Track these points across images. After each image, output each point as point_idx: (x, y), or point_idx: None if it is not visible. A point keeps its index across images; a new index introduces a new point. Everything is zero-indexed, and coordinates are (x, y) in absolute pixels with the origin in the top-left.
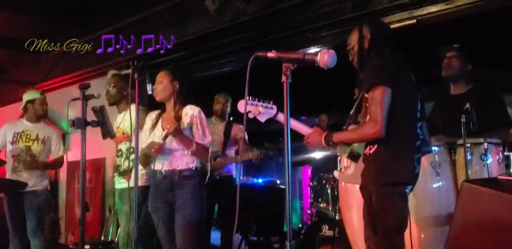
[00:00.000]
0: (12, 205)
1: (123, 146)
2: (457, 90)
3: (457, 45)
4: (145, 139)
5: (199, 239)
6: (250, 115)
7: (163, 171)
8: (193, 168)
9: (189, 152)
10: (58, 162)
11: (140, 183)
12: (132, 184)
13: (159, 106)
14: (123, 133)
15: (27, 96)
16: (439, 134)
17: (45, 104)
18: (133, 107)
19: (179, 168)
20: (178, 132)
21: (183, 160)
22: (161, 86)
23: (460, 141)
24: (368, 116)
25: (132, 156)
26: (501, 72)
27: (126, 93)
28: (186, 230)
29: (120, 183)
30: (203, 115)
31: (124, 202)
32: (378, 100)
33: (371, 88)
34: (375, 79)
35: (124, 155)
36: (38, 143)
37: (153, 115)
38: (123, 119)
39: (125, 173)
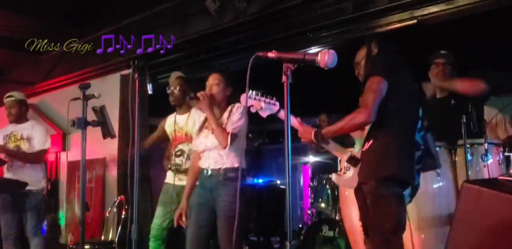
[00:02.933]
0: (8, 204)
1: (186, 147)
2: (443, 93)
3: (444, 51)
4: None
5: (241, 235)
6: (252, 110)
7: (209, 170)
8: (237, 167)
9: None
10: (36, 155)
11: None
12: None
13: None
14: (186, 134)
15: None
16: None
17: (12, 108)
18: (194, 110)
19: (224, 167)
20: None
21: (228, 159)
22: (217, 88)
23: (460, 142)
24: None
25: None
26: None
27: (189, 97)
28: (227, 229)
29: (182, 180)
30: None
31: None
32: (372, 88)
33: (368, 77)
34: (372, 69)
35: (185, 155)
36: (24, 142)
37: (201, 117)
38: (186, 122)
39: (186, 172)
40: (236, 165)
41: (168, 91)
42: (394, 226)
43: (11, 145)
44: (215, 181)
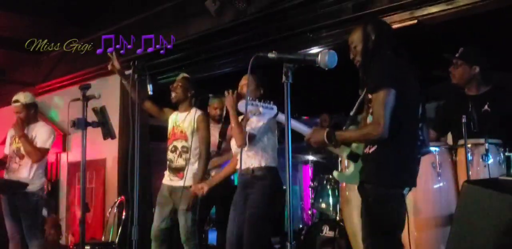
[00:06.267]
0: (7, 206)
1: (179, 144)
2: (472, 91)
3: (461, 49)
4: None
5: (262, 234)
6: (251, 115)
7: (239, 170)
8: (265, 167)
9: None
10: (38, 149)
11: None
12: (186, 183)
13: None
14: (181, 132)
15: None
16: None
17: (19, 113)
18: (193, 109)
19: (252, 167)
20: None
21: (255, 159)
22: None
23: (461, 142)
24: (370, 117)
25: (185, 155)
26: None
27: (190, 94)
28: (251, 226)
29: (172, 180)
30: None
31: (179, 201)
32: (381, 102)
33: (375, 90)
34: (379, 81)
35: (178, 152)
36: None
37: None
38: (184, 119)
39: (177, 171)
40: (263, 164)
41: (171, 88)
42: (393, 225)
43: (14, 146)
44: (245, 180)
